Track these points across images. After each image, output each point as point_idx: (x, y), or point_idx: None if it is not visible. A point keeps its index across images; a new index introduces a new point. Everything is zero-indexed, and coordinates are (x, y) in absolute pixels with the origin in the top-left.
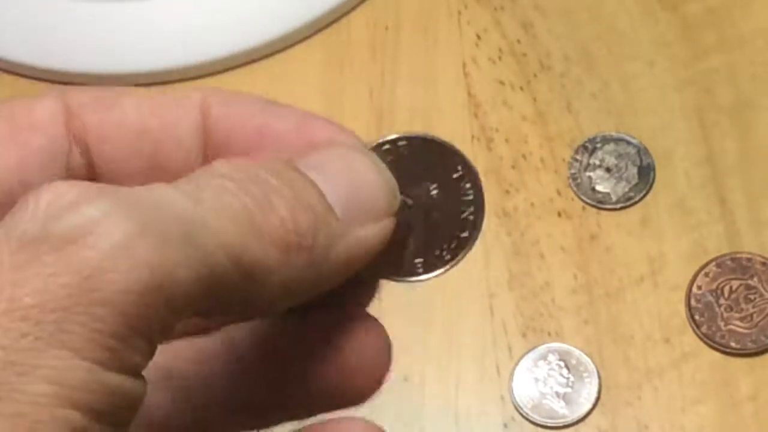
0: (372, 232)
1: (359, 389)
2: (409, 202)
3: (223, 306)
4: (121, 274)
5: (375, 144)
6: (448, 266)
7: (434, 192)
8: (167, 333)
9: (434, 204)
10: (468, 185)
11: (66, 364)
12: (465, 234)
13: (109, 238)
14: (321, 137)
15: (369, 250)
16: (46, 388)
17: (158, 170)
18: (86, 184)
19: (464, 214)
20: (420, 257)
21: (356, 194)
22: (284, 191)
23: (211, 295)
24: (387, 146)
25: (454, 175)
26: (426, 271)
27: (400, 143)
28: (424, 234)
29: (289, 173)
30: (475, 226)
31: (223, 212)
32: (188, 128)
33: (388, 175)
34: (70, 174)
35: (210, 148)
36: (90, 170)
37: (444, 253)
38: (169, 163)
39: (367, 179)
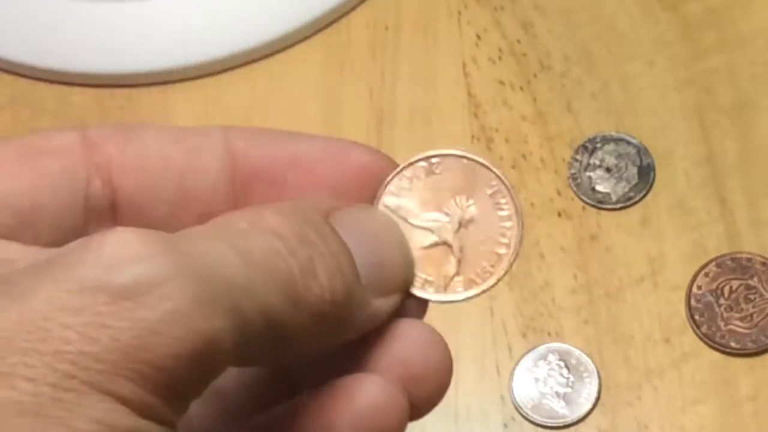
0: (387, 303)
1: (423, 397)
2: (445, 218)
3: (249, 360)
4: (173, 341)
5: (408, 162)
6: (489, 284)
7: (470, 208)
8: (203, 390)
9: (472, 220)
10: (503, 200)
11: (109, 407)
12: (503, 251)
13: (167, 302)
14: (354, 163)
15: (381, 320)
16: (91, 426)
17: (185, 200)
18: (151, 234)
19: (502, 230)
20: (459, 275)
21: (380, 267)
22: (327, 258)
23: (242, 353)
24: (421, 163)
25: (489, 191)
26: (465, 289)
27: (434, 160)
28: (463, 250)
29: (328, 233)
30: (513, 242)
31: (270, 277)
32: (213, 157)
33: (408, 251)
34: (88, 203)
35: (238, 178)
36: (112, 201)
37: (484, 270)
38: (197, 193)
39: (391, 254)
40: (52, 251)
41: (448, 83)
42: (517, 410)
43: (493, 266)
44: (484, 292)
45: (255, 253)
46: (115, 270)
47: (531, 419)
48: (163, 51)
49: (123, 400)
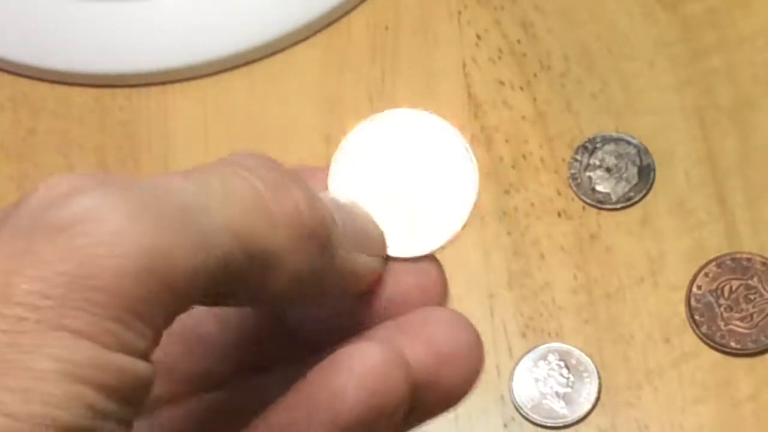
0: (369, 262)
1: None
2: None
3: (231, 292)
4: (116, 259)
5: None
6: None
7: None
8: (172, 318)
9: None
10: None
11: (69, 343)
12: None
13: (102, 225)
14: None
15: (365, 277)
16: (52, 365)
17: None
18: (82, 175)
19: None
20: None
21: (359, 229)
22: (302, 184)
23: (217, 280)
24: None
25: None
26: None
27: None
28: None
29: (310, 190)
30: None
31: (231, 196)
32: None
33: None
34: None
35: None
36: None
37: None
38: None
39: (366, 221)
40: None
41: (448, 83)
42: (517, 410)
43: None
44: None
45: (212, 179)
46: (44, 211)
47: (531, 419)
48: (163, 51)
49: (81, 333)
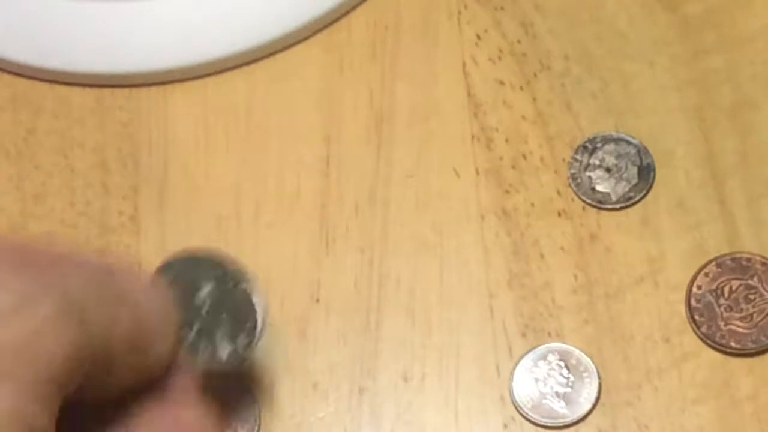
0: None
1: None
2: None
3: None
4: None
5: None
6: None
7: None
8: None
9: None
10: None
11: None
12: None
13: None
14: None
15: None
16: None
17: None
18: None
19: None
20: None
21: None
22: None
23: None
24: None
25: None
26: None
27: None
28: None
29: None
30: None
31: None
32: None
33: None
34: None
35: None
36: None
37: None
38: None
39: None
40: None
41: (448, 83)
42: (517, 410)
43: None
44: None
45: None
46: None
47: (531, 419)
48: (163, 51)
49: None
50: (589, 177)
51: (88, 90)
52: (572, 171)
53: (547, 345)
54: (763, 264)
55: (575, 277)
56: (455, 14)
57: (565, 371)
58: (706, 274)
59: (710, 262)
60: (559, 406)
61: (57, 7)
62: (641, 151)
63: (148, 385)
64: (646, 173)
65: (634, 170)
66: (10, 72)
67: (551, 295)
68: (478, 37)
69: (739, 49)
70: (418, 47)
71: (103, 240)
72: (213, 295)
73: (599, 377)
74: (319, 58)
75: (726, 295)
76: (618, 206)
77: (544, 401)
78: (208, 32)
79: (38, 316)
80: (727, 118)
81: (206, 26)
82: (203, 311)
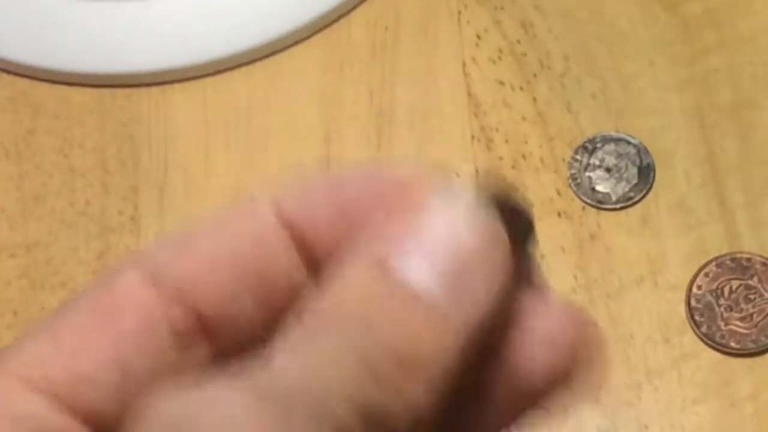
0: (489, 299)
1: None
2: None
3: None
4: None
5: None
6: None
7: None
8: None
9: None
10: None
11: None
12: None
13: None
14: (397, 193)
15: (490, 320)
16: None
17: (268, 296)
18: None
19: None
20: None
21: (463, 274)
22: (385, 321)
23: None
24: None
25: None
26: None
27: None
28: None
29: (382, 290)
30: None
31: (332, 373)
32: (276, 238)
33: (490, 228)
34: (175, 336)
35: (302, 250)
36: (201, 325)
37: None
38: (276, 282)
39: (472, 248)
40: None
41: (448, 83)
42: None
43: None
44: None
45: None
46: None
47: None
48: (163, 51)
49: None
50: (589, 177)
51: (88, 90)
52: (572, 171)
53: None
54: (763, 264)
55: (575, 277)
56: (455, 14)
57: None
58: (706, 274)
59: (710, 262)
60: None
61: (57, 7)
62: (641, 151)
63: None
64: (646, 173)
65: (634, 170)
66: (10, 72)
67: None
68: (478, 37)
69: (739, 49)
70: (418, 47)
71: (103, 240)
72: None
73: None
74: (319, 58)
75: (726, 295)
76: (618, 206)
77: None
78: (208, 32)
79: None
80: (727, 118)
81: (206, 26)
82: None
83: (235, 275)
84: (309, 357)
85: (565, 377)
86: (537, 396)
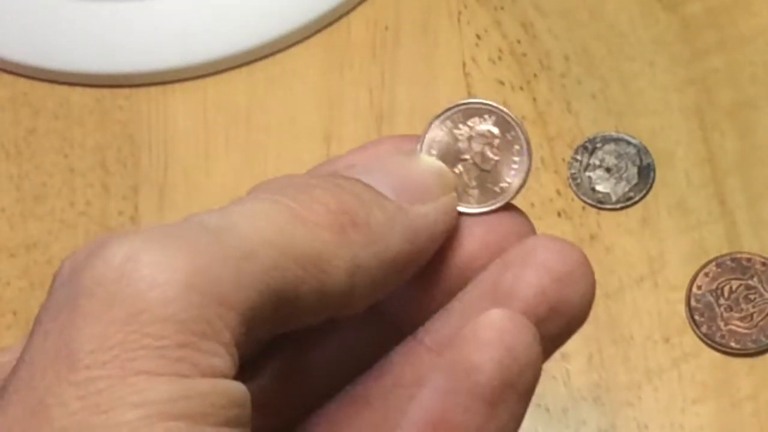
0: (433, 208)
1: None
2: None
3: (301, 306)
4: (158, 289)
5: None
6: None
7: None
8: (245, 336)
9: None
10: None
11: (145, 385)
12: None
13: (137, 264)
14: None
15: (437, 226)
16: (138, 412)
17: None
18: (106, 235)
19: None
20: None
21: (404, 180)
22: (326, 185)
23: (278, 296)
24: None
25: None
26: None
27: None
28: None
29: (332, 177)
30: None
31: (257, 215)
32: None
33: (430, 160)
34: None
35: None
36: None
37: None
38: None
39: (409, 167)
40: None
41: (448, 83)
42: None
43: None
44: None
45: (236, 206)
46: (77, 273)
47: None
48: (163, 51)
49: (153, 371)
50: (589, 177)
51: (88, 90)
52: (572, 171)
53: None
54: (763, 264)
55: None
56: (455, 14)
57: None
58: (706, 274)
59: (710, 262)
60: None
61: (57, 7)
62: (641, 151)
63: None
64: (646, 173)
65: (634, 170)
66: (10, 72)
67: None
68: (478, 37)
69: (739, 49)
70: (418, 47)
71: None
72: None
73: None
74: (319, 58)
75: (726, 295)
76: (618, 206)
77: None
78: (208, 32)
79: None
80: (727, 118)
81: (206, 26)
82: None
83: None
84: (231, 208)
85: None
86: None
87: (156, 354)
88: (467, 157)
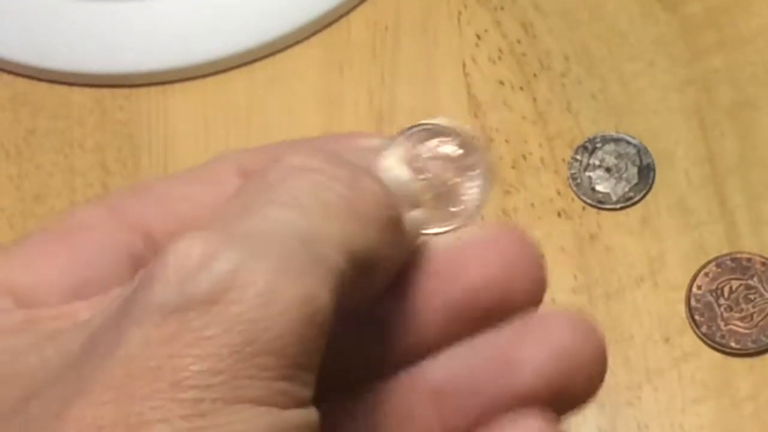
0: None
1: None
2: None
3: (345, 304)
4: (274, 320)
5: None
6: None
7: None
8: (321, 354)
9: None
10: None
11: (248, 414)
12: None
13: (251, 288)
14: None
15: (415, 239)
16: None
17: None
18: (204, 234)
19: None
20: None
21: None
22: (366, 171)
23: (338, 300)
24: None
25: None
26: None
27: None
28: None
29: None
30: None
31: (327, 212)
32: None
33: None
34: (135, 264)
35: None
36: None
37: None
38: None
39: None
40: (116, 294)
41: (448, 83)
42: None
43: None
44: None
45: (302, 197)
46: (188, 284)
47: None
48: (163, 51)
49: (257, 401)
50: (589, 177)
51: (88, 90)
52: (572, 171)
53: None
54: (763, 264)
55: (575, 277)
56: (455, 14)
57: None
58: (706, 274)
59: (710, 262)
60: None
61: (57, 7)
62: (641, 151)
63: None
64: (646, 173)
65: (634, 170)
66: (10, 72)
67: (551, 295)
68: (478, 37)
69: (739, 49)
70: (418, 47)
71: None
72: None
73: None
74: (319, 58)
75: (726, 295)
76: (618, 206)
77: None
78: (208, 32)
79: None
80: (727, 118)
81: (206, 26)
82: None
83: (196, 214)
84: (286, 196)
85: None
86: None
87: (261, 384)
88: (425, 176)
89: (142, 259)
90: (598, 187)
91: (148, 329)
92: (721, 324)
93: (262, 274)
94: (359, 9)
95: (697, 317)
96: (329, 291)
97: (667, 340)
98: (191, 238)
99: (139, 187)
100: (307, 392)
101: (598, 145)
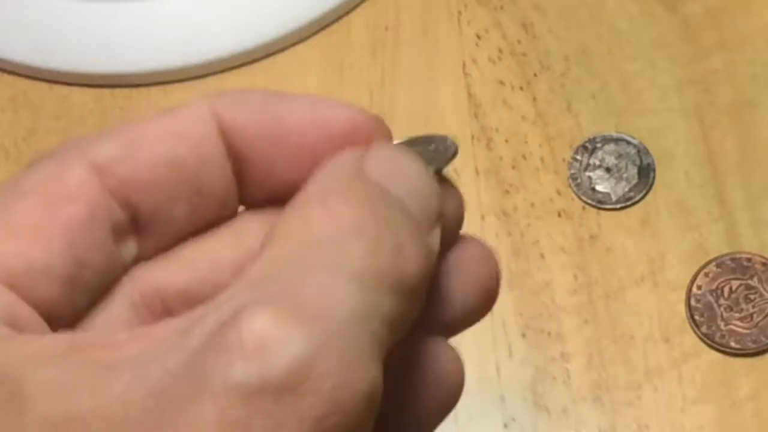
0: (437, 236)
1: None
2: None
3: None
4: (345, 413)
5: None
6: None
7: None
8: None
9: None
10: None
11: None
12: None
13: (327, 382)
14: (341, 125)
15: (435, 255)
16: None
17: (200, 199)
18: (272, 309)
19: None
20: None
21: (422, 203)
22: (400, 222)
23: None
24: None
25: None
26: None
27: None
28: None
29: (379, 192)
30: None
31: (379, 283)
32: (212, 144)
33: (432, 178)
34: (114, 229)
35: (234, 158)
36: (133, 218)
37: None
38: (210, 188)
39: (422, 185)
40: (165, 334)
41: (448, 83)
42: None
43: None
44: None
45: (356, 264)
46: (267, 367)
47: None
48: (163, 51)
49: None
50: (589, 177)
51: (88, 90)
52: (572, 171)
53: None
54: (763, 264)
55: (575, 277)
56: (455, 14)
57: None
58: (706, 274)
59: (710, 262)
60: None
61: (57, 7)
62: (641, 151)
63: None
64: (646, 173)
65: (634, 170)
66: (10, 72)
67: (551, 295)
68: (478, 37)
69: (739, 49)
70: (418, 47)
71: None
72: None
73: None
74: (319, 58)
75: (726, 295)
76: (618, 206)
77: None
78: (208, 32)
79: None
80: (727, 118)
81: (206, 26)
82: None
83: (173, 178)
84: (343, 265)
85: (478, 307)
86: (455, 326)
87: None
88: None
89: (120, 223)
90: (598, 187)
91: (225, 408)
92: (721, 324)
93: (336, 368)
94: (359, 9)
95: (697, 317)
96: (380, 369)
97: (667, 340)
98: (261, 312)
99: (122, 137)
100: None
101: (598, 145)
